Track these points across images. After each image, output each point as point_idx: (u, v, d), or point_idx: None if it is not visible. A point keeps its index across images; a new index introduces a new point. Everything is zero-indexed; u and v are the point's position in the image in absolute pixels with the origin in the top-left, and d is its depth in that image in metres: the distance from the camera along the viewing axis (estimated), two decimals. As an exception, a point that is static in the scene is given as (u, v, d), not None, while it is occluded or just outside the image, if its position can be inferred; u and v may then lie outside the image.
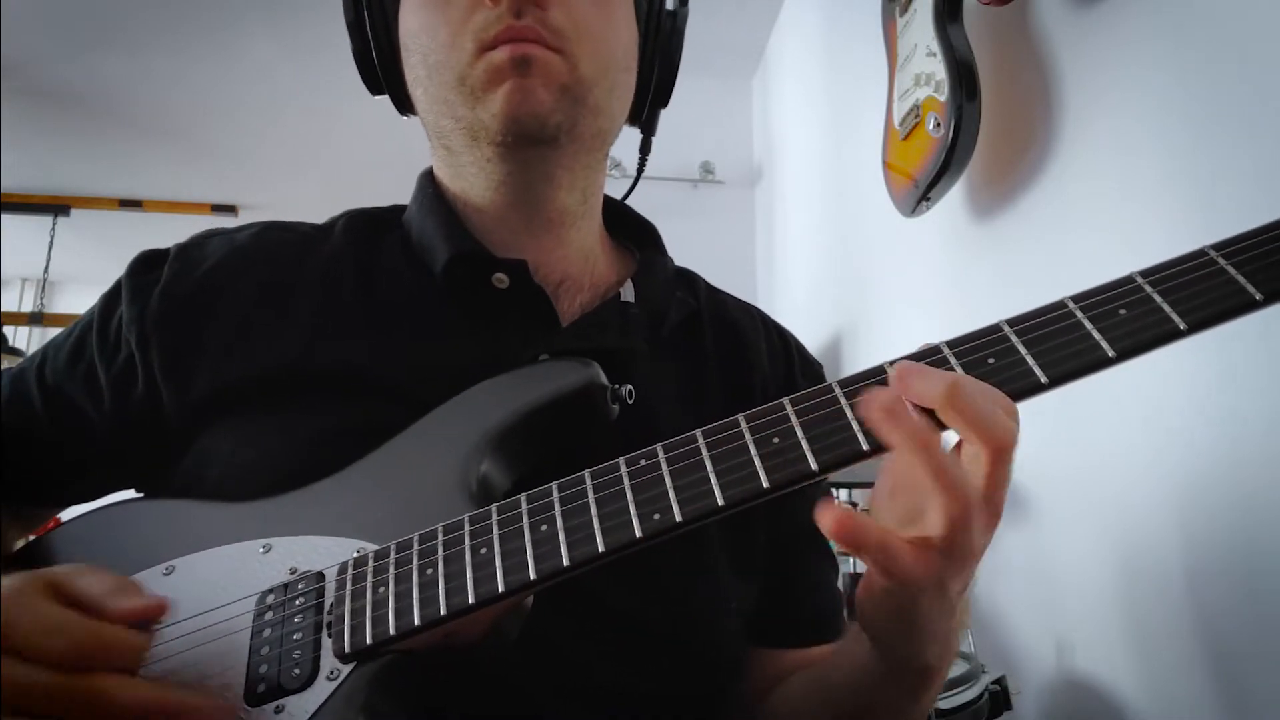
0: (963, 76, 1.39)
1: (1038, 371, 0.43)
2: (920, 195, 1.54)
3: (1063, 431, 1.30)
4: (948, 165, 1.43)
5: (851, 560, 1.75)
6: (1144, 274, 0.44)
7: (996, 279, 1.53)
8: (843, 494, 1.85)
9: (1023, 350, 0.44)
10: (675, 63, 0.71)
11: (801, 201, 2.85)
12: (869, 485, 1.94)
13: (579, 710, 0.55)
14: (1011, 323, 0.45)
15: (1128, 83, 1.17)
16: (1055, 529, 1.34)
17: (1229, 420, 0.98)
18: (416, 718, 0.52)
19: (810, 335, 2.60)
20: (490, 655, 0.49)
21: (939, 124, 1.44)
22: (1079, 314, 0.44)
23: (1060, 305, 0.45)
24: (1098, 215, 1.23)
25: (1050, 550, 1.35)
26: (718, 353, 0.71)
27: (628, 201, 0.77)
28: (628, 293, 0.67)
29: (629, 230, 0.75)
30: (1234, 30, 0.99)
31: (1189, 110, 1.05)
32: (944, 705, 1.13)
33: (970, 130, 1.40)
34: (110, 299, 0.65)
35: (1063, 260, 1.30)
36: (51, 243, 4.38)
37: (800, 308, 2.84)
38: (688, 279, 0.76)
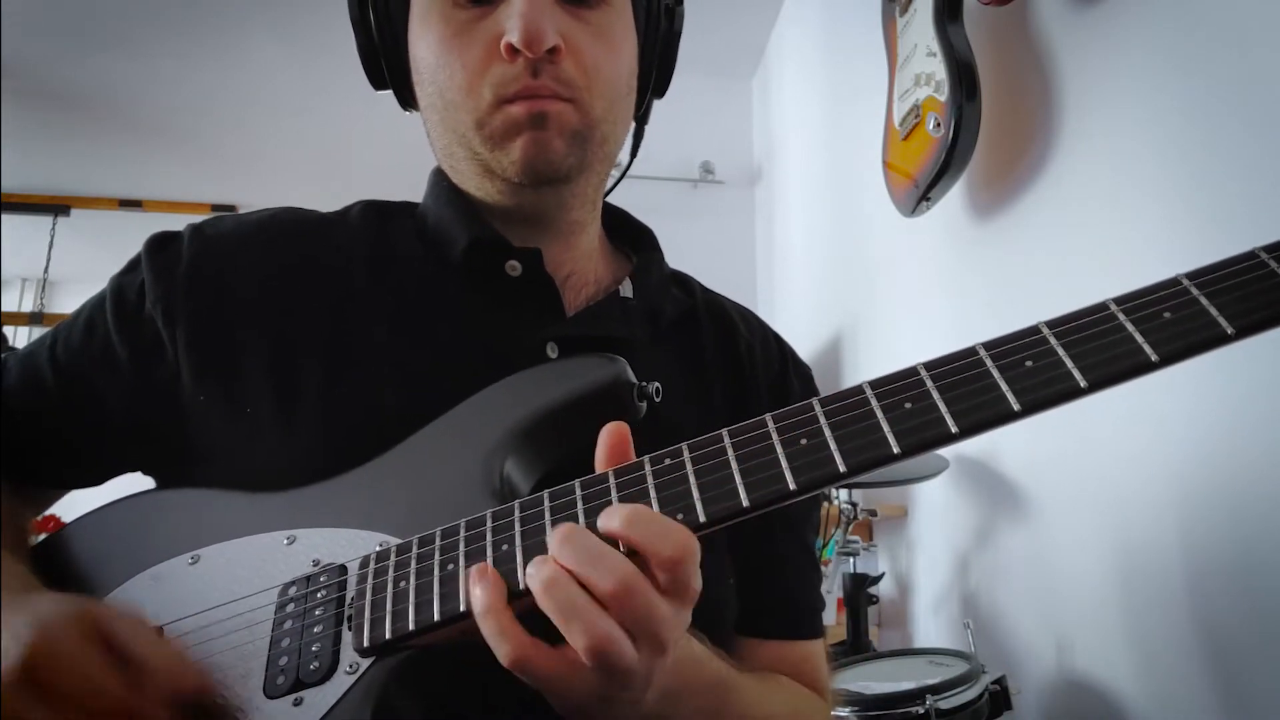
0: (963, 76, 1.39)
1: (1077, 375, 0.41)
2: (920, 195, 1.54)
3: (1062, 431, 1.30)
4: (948, 165, 1.43)
5: (852, 560, 1.75)
6: (1190, 276, 0.42)
7: (996, 278, 1.53)
8: (842, 494, 1.86)
9: (1061, 353, 0.42)
10: (672, 60, 0.73)
11: (801, 201, 2.85)
12: (870, 486, 1.92)
13: None
14: (1051, 324, 0.43)
15: (1127, 82, 1.17)
16: (1055, 529, 1.34)
17: (1227, 420, 0.98)
18: (433, 714, 0.52)
19: (810, 335, 2.60)
20: None
21: (939, 124, 1.44)
22: (1121, 316, 0.42)
23: (1102, 307, 0.43)
24: (1098, 214, 1.23)
25: (1050, 550, 1.35)
26: (715, 348, 0.72)
27: (619, 192, 0.78)
28: (626, 289, 0.69)
29: (627, 234, 0.77)
30: (1233, 29, 0.99)
31: (1188, 109, 1.05)
32: (944, 705, 1.13)
33: (970, 130, 1.40)
34: (125, 278, 0.65)
35: (1063, 259, 1.30)
36: (51, 243, 4.37)
37: (800, 308, 2.84)
38: (683, 280, 0.78)
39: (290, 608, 0.49)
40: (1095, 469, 1.22)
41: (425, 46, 0.64)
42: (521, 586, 0.43)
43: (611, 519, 0.42)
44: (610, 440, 0.47)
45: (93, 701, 0.42)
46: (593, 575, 0.40)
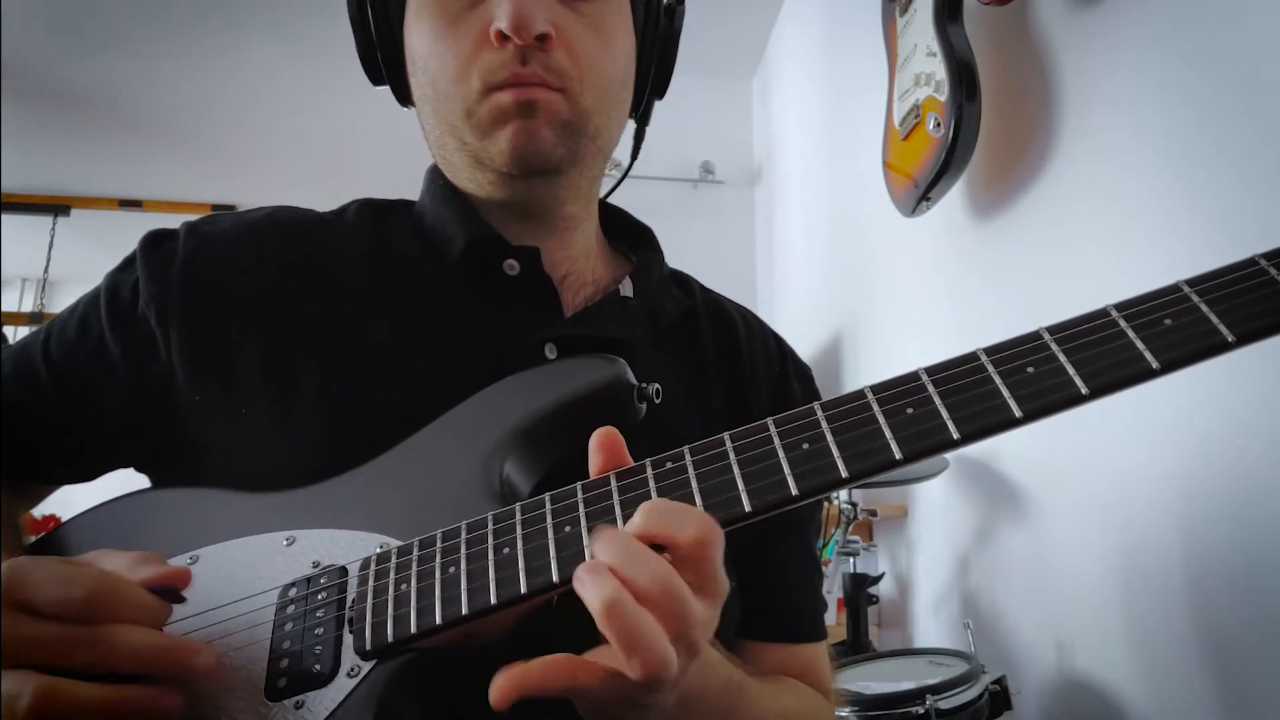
0: (963, 76, 1.39)
1: (1078, 382, 0.41)
2: (920, 195, 1.54)
3: (1063, 432, 1.30)
4: (948, 165, 1.43)
5: (852, 560, 1.75)
6: (1190, 283, 0.42)
7: (996, 278, 1.53)
8: (842, 494, 1.85)
9: (1063, 359, 0.42)
10: (671, 59, 0.73)
11: (801, 201, 2.85)
12: (871, 486, 1.93)
13: None
14: (1052, 330, 0.43)
15: (1127, 83, 1.17)
16: (1055, 529, 1.34)
17: (1228, 421, 0.98)
18: (434, 716, 0.52)
19: (810, 335, 2.60)
20: (508, 654, 0.49)
21: (939, 124, 1.44)
22: (1122, 323, 0.42)
23: (1103, 313, 0.43)
24: (1097, 215, 1.23)
25: (1050, 550, 1.35)
26: (715, 349, 0.72)
27: (619, 193, 0.78)
28: (626, 289, 0.69)
29: (625, 233, 0.77)
30: (1233, 28, 0.99)
31: (1188, 110, 1.05)
32: (944, 705, 1.13)
33: (970, 130, 1.40)
34: (120, 275, 0.64)
35: (1063, 259, 1.30)
36: (51, 243, 4.37)
37: (800, 308, 2.84)
38: (682, 280, 0.78)
39: (290, 609, 0.49)
40: (1096, 469, 1.22)
41: (419, 37, 0.64)
42: (557, 578, 0.43)
43: (632, 522, 0.42)
44: (603, 446, 0.47)
45: (69, 590, 0.41)
46: (635, 576, 0.39)
